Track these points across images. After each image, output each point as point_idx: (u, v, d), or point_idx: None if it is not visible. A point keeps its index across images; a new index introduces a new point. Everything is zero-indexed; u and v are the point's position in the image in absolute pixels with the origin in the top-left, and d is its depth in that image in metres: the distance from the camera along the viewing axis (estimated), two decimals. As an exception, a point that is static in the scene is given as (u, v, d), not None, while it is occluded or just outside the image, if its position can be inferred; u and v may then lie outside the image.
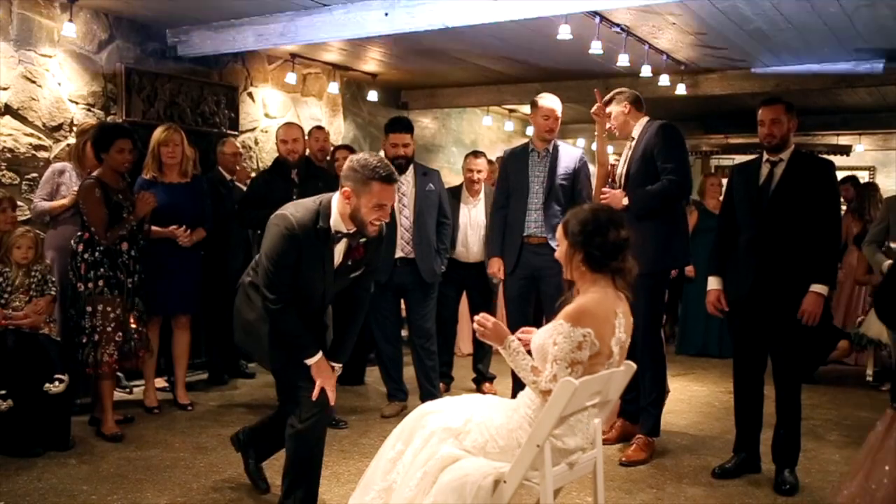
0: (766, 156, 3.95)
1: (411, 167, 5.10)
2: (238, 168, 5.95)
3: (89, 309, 4.37)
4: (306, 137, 5.60)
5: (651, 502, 3.65)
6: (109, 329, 4.38)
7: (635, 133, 4.33)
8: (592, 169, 4.98)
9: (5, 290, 4.28)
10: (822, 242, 3.78)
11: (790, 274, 3.79)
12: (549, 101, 4.76)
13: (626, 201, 4.18)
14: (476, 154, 5.83)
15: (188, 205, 4.96)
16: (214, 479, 3.76)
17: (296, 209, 3.10)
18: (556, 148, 4.79)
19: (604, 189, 4.32)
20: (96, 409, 4.55)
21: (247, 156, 6.74)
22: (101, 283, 4.38)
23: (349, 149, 6.15)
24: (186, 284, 5.00)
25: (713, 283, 4.08)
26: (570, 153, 4.84)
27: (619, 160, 4.49)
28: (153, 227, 4.79)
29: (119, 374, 4.95)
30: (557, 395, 2.41)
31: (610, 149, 4.88)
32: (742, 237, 3.97)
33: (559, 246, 2.80)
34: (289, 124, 5.30)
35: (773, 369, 3.96)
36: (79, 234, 4.47)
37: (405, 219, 5.00)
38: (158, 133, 4.97)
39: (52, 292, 4.43)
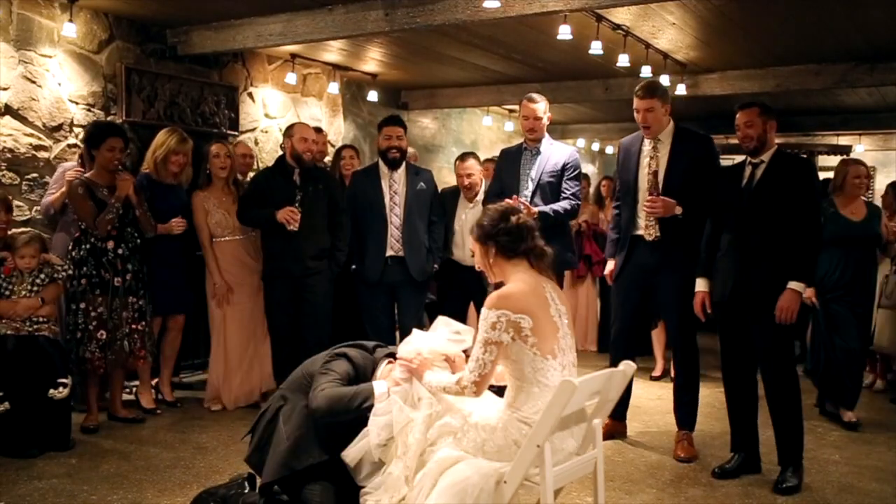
0: (748, 158, 3.99)
1: (403, 166, 5.13)
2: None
3: (73, 307, 4.44)
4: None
5: (651, 502, 3.65)
6: (91, 327, 4.42)
7: (664, 136, 4.29)
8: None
9: (8, 289, 4.27)
10: (801, 241, 3.80)
11: (769, 273, 3.81)
12: (530, 103, 4.79)
13: (679, 210, 4.15)
14: (464, 157, 5.61)
15: (181, 204, 5.06)
16: (214, 479, 3.75)
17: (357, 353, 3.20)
18: (548, 146, 4.82)
19: (651, 197, 4.20)
20: (87, 417, 4.55)
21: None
22: (83, 281, 4.42)
23: (354, 148, 6.14)
24: (179, 284, 5.02)
25: (700, 285, 4.11)
26: (561, 151, 4.86)
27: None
28: (158, 225, 4.83)
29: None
30: (557, 395, 2.42)
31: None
32: (724, 238, 4.01)
33: (474, 255, 2.94)
34: (303, 123, 5.28)
35: (761, 369, 3.98)
36: (75, 234, 4.55)
37: (395, 217, 5.04)
38: (173, 142, 4.99)
39: (60, 277, 4.41)
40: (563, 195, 4.73)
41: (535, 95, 4.85)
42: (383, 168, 5.14)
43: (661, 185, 4.23)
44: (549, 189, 4.73)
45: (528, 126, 4.80)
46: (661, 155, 4.27)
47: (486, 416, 2.69)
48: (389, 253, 5.03)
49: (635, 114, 4.30)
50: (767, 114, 3.93)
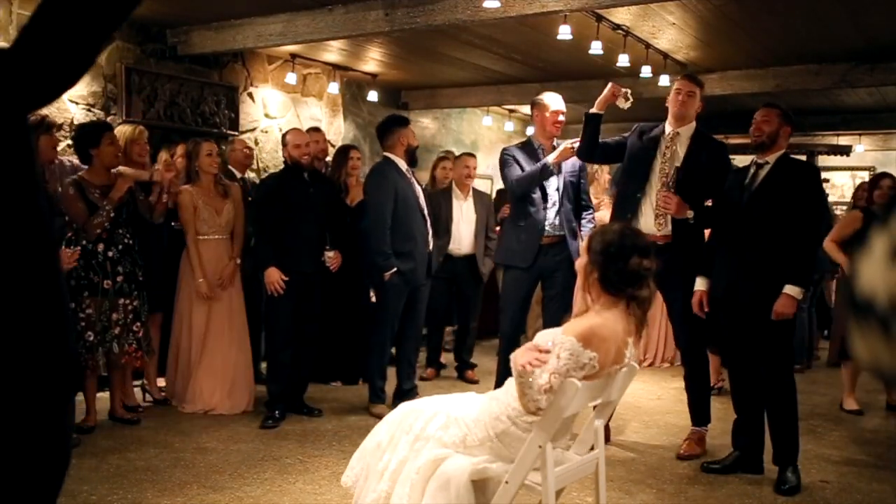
0: (754, 159, 4.00)
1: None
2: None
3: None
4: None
5: (651, 502, 3.65)
6: (79, 328, 4.40)
7: (684, 131, 4.22)
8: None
9: None
10: (798, 245, 3.80)
11: (762, 275, 3.82)
12: (559, 101, 4.70)
13: (690, 214, 4.06)
14: (471, 155, 6.33)
15: None
16: (214, 478, 3.75)
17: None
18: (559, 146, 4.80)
19: (667, 193, 4.09)
20: (85, 417, 4.53)
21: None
22: (72, 282, 4.39)
23: (357, 149, 6.11)
24: (159, 283, 4.94)
25: (699, 283, 4.10)
26: None
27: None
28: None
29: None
30: (561, 396, 2.41)
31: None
32: (725, 237, 4.02)
33: (580, 258, 2.76)
34: (296, 130, 5.18)
35: (761, 367, 3.97)
36: (67, 234, 4.49)
37: (426, 215, 5.03)
38: (128, 131, 4.88)
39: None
40: (585, 201, 4.79)
41: (554, 93, 4.79)
42: (402, 165, 4.97)
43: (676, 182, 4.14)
44: (572, 189, 4.71)
45: (561, 125, 4.70)
46: (678, 152, 4.20)
47: (466, 410, 2.70)
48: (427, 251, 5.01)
49: (674, 95, 4.20)
50: (786, 119, 3.96)
